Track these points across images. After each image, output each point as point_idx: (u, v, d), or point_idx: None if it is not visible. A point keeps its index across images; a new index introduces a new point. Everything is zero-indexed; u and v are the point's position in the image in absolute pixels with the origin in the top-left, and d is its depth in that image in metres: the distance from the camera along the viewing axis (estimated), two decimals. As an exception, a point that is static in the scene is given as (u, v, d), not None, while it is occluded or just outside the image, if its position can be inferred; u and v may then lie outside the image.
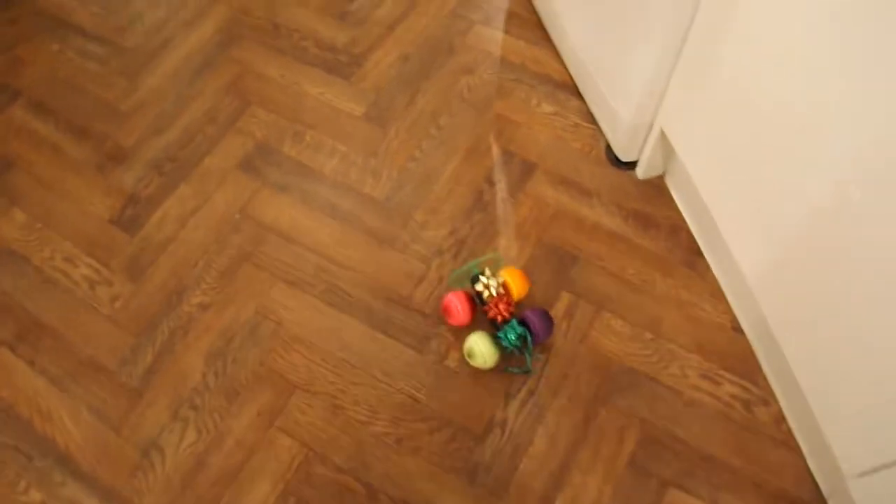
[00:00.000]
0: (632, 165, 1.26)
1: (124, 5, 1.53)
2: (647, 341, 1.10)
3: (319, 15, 1.50)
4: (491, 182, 1.26)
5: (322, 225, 1.23)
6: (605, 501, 0.99)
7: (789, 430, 1.02)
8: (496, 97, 1.36)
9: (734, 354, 1.08)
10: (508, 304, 1.07)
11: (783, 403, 1.04)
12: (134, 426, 1.06)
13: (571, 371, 1.08)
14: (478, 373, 1.08)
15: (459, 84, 1.38)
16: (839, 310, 0.82)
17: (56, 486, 1.02)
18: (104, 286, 1.18)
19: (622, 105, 1.17)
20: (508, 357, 1.08)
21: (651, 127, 1.16)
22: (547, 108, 1.34)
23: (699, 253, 1.17)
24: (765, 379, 1.06)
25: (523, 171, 1.27)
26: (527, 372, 1.08)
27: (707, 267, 1.16)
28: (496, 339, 1.05)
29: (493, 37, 1.44)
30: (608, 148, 1.27)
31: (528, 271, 1.16)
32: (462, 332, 1.09)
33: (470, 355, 1.06)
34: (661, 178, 1.25)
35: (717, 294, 1.13)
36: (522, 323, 1.06)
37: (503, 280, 1.09)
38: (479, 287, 1.09)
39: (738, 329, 1.10)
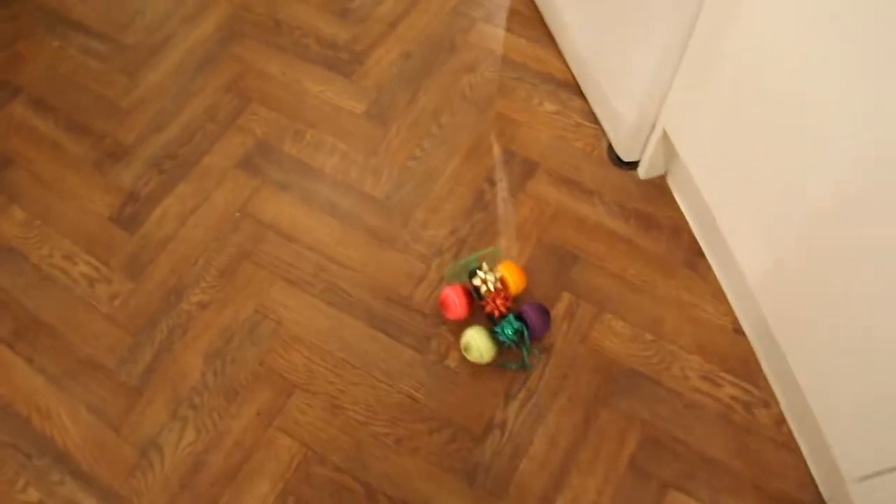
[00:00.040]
0: (633, 165, 1.25)
1: (125, 2, 1.52)
2: (648, 342, 1.09)
3: (321, 12, 1.49)
4: (492, 181, 1.26)
5: (322, 224, 1.22)
6: (604, 503, 0.98)
7: (790, 433, 1.02)
8: (498, 96, 1.36)
9: (735, 356, 1.08)
10: (506, 298, 1.07)
11: (784, 405, 1.04)
12: (133, 425, 1.06)
13: (572, 372, 1.08)
14: (478, 373, 1.08)
15: (461, 82, 1.38)
16: (840, 311, 0.81)
17: (54, 485, 1.02)
18: (103, 284, 1.18)
19: (624, 105, 1.16)
20: (506, 352, 1.08)
21: (653, 127, 1.15)
22: (549, 107, 1.34)
23: (700, 254, 1.17)
24: (765, 381, 1.06)
25: (524, 170, 1.27)
26: (524, 367, 1.08)
27: (708, 268, 1.15)
28: (493, 334, 1.05)
29: (494, 34, 1.44)
30: (610, 148, 1.26)
31: (528, 271, 1.15)
32: (461, 331, 1.09)
33: (466, 349, 1.06)
34: (662, 178, 1.25)
35: (719, 295, 1.13)
36: (519, 318, 1.06)
37: (501, 275, 1.09)
38: (476, 282, 1.08)
39: (739, 330, 1.10)
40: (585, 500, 0.99)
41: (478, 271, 1.09)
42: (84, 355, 1.12)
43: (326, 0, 1.50)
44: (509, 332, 1.04)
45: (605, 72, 1.21)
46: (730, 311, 1.12)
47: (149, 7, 1.51)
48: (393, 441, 1.04)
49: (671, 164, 1.21)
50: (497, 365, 1.08)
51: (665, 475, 1.00)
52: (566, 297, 1.14)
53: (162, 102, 1.38)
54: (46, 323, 1.15)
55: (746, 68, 0.88)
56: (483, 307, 1.08)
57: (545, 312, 1.07)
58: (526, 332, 1.05)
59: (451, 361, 1.09)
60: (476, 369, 1.08)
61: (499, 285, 1.08)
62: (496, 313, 1.06)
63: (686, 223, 1.20)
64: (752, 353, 1.08)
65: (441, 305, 1.10)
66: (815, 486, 0.98)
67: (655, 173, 1.24)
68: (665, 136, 1.13)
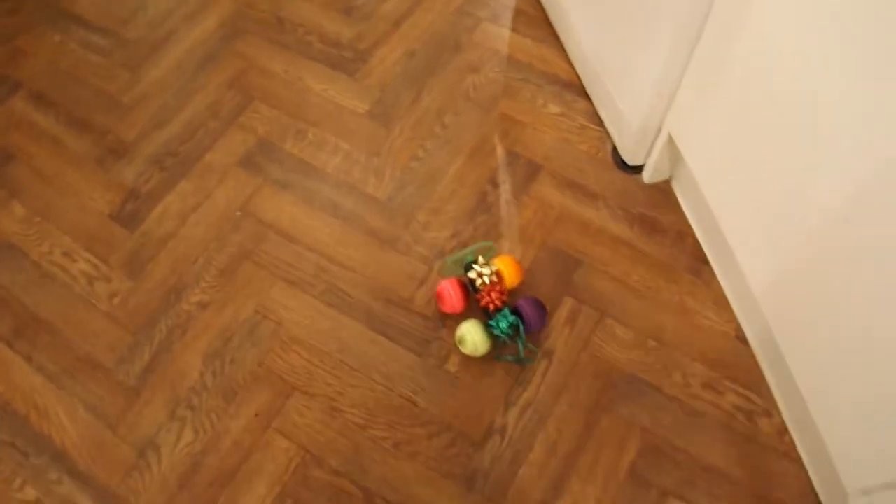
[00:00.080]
0: (638, 169, 1.24)
1: (127, -4, 1.52)
2: (650, 349, 1.09)
3: (324, 9, 1.48)
4: (495, 183, 1.25)
5: (323, 224, 1.22)
6: (603, 511, 0.98)
7: (792, 442, 1.01)
8: (502, 96, 1.34)
9: (738, 364, 1.07)
10: (501, 292, 1.07)
11: (786, 415, 1.03)
12: (131, 425, 1.05)
13: (572, 377, 1.07)
14: (478, 377, 1.07)
15: (465, 82, 1.36)
16: (845, 321, 0.81)
17: (52, 484, 1.02)
18: (103, 282, 1.17)
19: (630, 108, 1.15)
20: (501, 346, 1.08)
21: (659, 131, 1.14)
22: (553, 108, 1.32)
23: (705, 260, 1.16)
24: (768, 390, 1.05)
25: (528, 172, 1.26)
26: (519, 361, 1.07)
27: (712, 274, 1.14)
28: (488, 328, 1.05)
29: (500, 34, 1.42)
30: (615, 151, 1.25)
31: (530, 275, 1.15)
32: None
33: (460, 342, 1.06)
34: (667, 182, 1.23)
35: (722, 302, 1.12)
36: (515, 312, 1.06)
37: (497, 268, 1.08)
38: (472, 275, 1.08)
39: (742, 338, 1.09)
40: (584, 508, 0.98)
41: (473, 264, 1.08)
42: (83, 354, 1.11)
43: (330, -3, 1.49)
44: (504, 325, 1.04)
45: (611, 74, 1.20)
46: (733, 319, 1.11)
47: (151, 2, 1.50)
48: (391, 445, 1.03)
49: (676, 168, 1.20)
50: (492, 358, 1.07)
51: (665, 483, 0.99)
52: (568, 302, 1.13)
53: (164, 99, 1.37)
54: (45, 321, 1.14)
55: (755, 72, 0.87)
56: (479, 300, 1.07)
57: (541, 307, 1.07)
58: (521, 326, 1.05)
59: (451, 365, 1.08)
60: (476, 374, 1.07)
61: (494, 279, 1.07)
62: (491, 307, 1.06)
63: (690, 229, 1.19)
64: (755, 361, 1.07)
65: (437, 299, 1.10)
66: (817, 497, 0.97)
67: (660, 178, 1.23)
68: (670, 141, 1.12)
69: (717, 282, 1.14)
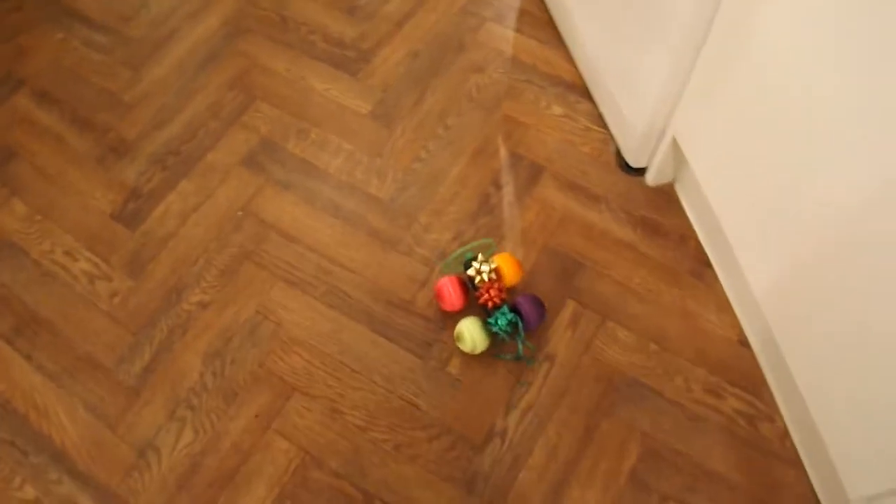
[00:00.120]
0: (641, 172, 1.23)
1: (130, -6, 1.51)
2: (652, 353, 1.08)
3: (328, 9, 1.47)
4: (497, 185, 1.24)
5: (325, 225, 1.21)
6: (604, 515, 0.98)
7: (793, 448, 1.01)
8: (505, 97, 1.34)
9: (740, 368, 1.07)
10: (500, 290, 1.06)
11: (788, 420, 1.02)
12: (130, 425, 1.05)
13: (574, 381, 1.07)
14: (479, 381, 1.07)
15: (468, 83, 1.36)
16: (849, 327, 0.80)
17: (51, 484, 1.02)
18: (103, 281, 1.17)
19: (634, 110, 1.14)
20: (500, 344, 1.07)
21: (663, 133, 1.13)
22: (557, 110, 1.32)
23: (707, 263, 1.15)
24: (770, 394, 1.04)
25: (531, 174, 1.25)
26: (518, 359, 1.07)
27: (715, 278, 1.14)
28: (487, 325, 1.05)
29: (504, 35, 1.42)
30: (618, 153, 1.25)
31: (532, 277, 1.14)
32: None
33: (459, 339, 1.05)
34: (670, 185, 1.23)
35: (724, 306, 1.12)
36: (514, 309, 1.06)
37: (496, 266, 1.08)
38: (471, 272, 1.08)
39: (744, 342, 1.08)
40: (585, 512, 0.98)
41: (472, 262, 1.08)
42: (83, 353, 1.11)
43: (334, -4, 1.49)
44: (503, 323, 1.04)
45: (615, 76, 1.19)
46: (735, 323, 1.10)
47: (153, 0, 1.50)
48: (392, 447, 1.03)
49: (680, 171, 1.20)
50: (491, 356, 1.07)
51: (665, 488, 0.99)
52: (570, 305, 1.12)
53: (166, 97, 1.36)
54: (46, 319, 1.14)
55: (764, 75, 0.86)
56: (477, 298, 1.07)
57: (540, 304, 1.07)
58: (520, 324, 1.04)
59: (453, 368, 1.08)
60: (477, 376, 1.07)
61: (493, 276, 1.07)
62: (490, 304, 1.06)
63: (693, 232, 1.18)
64: (757, 366, 1.07)
65: (436, 296, 1.10)
66: (819, 503, 0.97)
67: (663, 180, 1.23)
68: (674, 143, 1.11)
69: (720, 285, 1.13)
